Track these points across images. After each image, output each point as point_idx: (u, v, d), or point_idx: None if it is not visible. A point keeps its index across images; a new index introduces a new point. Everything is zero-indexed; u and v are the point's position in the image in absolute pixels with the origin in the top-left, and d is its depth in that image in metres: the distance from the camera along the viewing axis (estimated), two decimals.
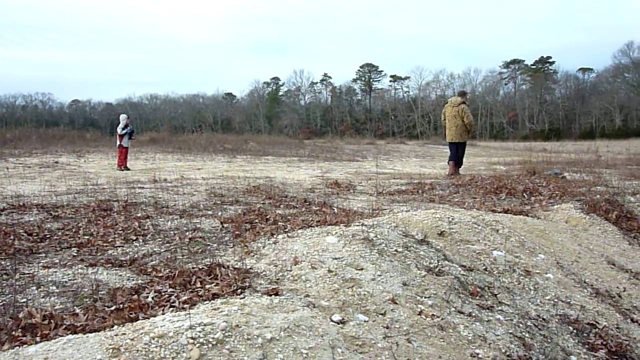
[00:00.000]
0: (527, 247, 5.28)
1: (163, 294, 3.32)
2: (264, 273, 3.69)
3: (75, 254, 4.33)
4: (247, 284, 3.44)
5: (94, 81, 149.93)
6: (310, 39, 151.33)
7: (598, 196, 7.97)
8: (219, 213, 5.94)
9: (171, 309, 3.05)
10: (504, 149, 36.36)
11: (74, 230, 5.06)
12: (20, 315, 2.88)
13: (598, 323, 4.24)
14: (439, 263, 4.23)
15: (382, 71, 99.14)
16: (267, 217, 5.63)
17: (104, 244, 4.63)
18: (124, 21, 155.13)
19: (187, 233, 4.98)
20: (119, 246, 4.61)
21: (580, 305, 4.45)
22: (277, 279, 3.57)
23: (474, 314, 3.63)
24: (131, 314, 2.96)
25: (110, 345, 2.37)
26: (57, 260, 4.14)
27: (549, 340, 3.74)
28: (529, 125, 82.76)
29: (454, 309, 3.60)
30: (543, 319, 4.02)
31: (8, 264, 4.02)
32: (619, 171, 12.89)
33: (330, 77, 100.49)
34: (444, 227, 5.06)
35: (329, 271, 3.64)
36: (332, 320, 3.03)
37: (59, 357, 2.28)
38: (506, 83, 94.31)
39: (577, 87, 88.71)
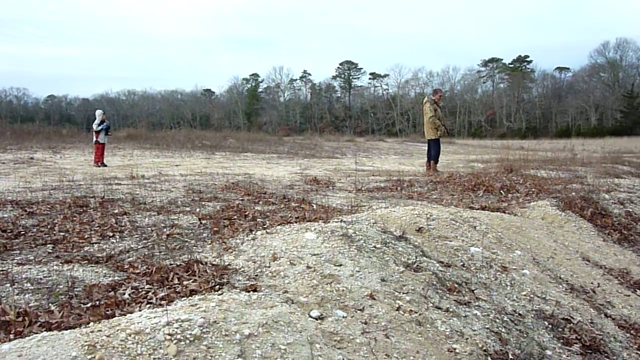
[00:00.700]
0: (504, 244, 5.34)
1: (140, 290, 3.29)
2: (243, 269, 3.68)
3: (50, 251, 4.27)
4: (225, 280, 3.42)
5: (71, 76, 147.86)
6: (290, 36, 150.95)
7: (573, 193, 8.08)
8: (197, 209, 5.91)
9: (148, 305, 3.02)
10: (482, 146, 36.66)
11: (49, 226, 4.98)
12: None
13: (573, 318, 4.30)
14: (417, 259, 4.26)
15: (361, 69, 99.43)
16: (246, 213, 5.61)
17: (80, 241, 4.57)
18: (101, 16, 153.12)
19: (165, 229, 4.94)
20: (95, 243, 4.55)
21: (556, 301, 4.51)
22: (256, 275, 3.56)
23: (451, 310, 3.66)
24: (107, 310, 2.93)
25: (85, 342, 2.34)
26: (32, 257, 4.07)
27: (525, 335, 3.78)
28: (506, 124, 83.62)
29: (431, 304, 3.63)
30: (519, 314, 4.07)
31: None
32: (594, 169, 13.08)
33: (309, 74, 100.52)
34: (422, 224, 5.09)
35: (308, 267, 3.64)
36: (310, 316, 3.03)
37: (33, 355, 2.24)
38: (484, 81, 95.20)
39: (554, 86, 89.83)
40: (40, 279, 3.56)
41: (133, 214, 5.62)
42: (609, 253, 6.35)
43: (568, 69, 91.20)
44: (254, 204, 6.46)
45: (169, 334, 2.43)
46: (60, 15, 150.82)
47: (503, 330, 3.68)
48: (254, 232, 4.58)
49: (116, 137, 26.35)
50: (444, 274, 4.19)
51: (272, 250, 3.98)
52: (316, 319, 3.01)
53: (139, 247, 4.40)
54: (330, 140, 37.97)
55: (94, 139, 15.23)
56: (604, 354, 4.01)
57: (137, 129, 39.01)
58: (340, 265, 3.78)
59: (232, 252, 4.09)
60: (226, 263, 3.79)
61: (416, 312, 3.40)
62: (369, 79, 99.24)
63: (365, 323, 3.13)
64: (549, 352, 3.73)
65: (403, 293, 3.63)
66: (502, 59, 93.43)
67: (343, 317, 3.12)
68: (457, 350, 3.18)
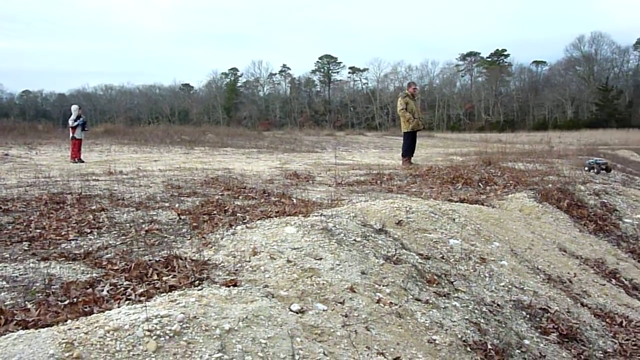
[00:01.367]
0: (482, 235, 5.39)
1: (119, 287, 3.26)
2: (222, 264, 3.67)
3: (26, 248, 4.20)
4: (205, 276, 3.41)
5: (46, 71, 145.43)
6: (269, 30, 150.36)
7: (550, 185, 8.18)
8: (177, 205, 5.86)
9: (127, 302, 3.00)
10: (460, 140, 36.98)
11: (25, 223, 4.90)
12: None
13: (550, 308, 4.37)
14: (397, 252, 4.28)
15: (341, 62, 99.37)
16: (226, 208, 5.58)
17: (57, 238, 4.51)
18: (77, 9, 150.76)
19: (144, 225, 4.89)
20: (73, 239, 4.49)
21: (533, 291, 4.57)
22: (236, 270, 3.55)
23: (431, 301, 3.69)
24: (85, 308, 2.90)
25: (63, 339, 2.31)
26: (8, 255, 4.01)
27: (504, 325, 3.83)
28: (484, 117, 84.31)
29: (411, 296, 3.65)
30: (498, 304, 4.12)
31: None
32: (570, 161, 13.27)
33: (289, 68, 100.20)
34: (401, 217, 5.11)
35: (288, 261, 3.64)
36: (291, 310, 3.03)
37: (9, 353, 2.21)
38: (463, 75, 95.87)
39: (531, 80, 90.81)
40: (16, 277, 3.51)
41: (111, 210, 5.56)
42: (585, 243, 6.44)
43: (545, 62, 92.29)
44: (233, 198, 6.43)
45: (148, 330, 2.41)
46: (35, 8, 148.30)
47: (482, 320, 3.73)
48: (233, 227, 4.57)
49: (93, 133, 26.02)
50: (423, 266, 4.22)
51: (252, 245, 3.97)
52: (297, 313, 3.02)
53: (117, 243, 4.36)
54: (310, 134, 37.95)
55: (71, 134, 15.01)
56: (580, 342, 4.08)
57: (115, 125, 38.52)
58: (321, 258, 3.79)
59: (211, 247, 4.07)
60: (206, 258, 3.78)
61: (396, 304, 3.43)
62: (349, 73, 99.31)
63: (346, 316, 3.14)
64: (526, 342, 3.79)
65: (383, 285, 3.65)
66: (480, 53, 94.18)
67: (323, 310, 3.13)
68: (436, 341, 3.21)
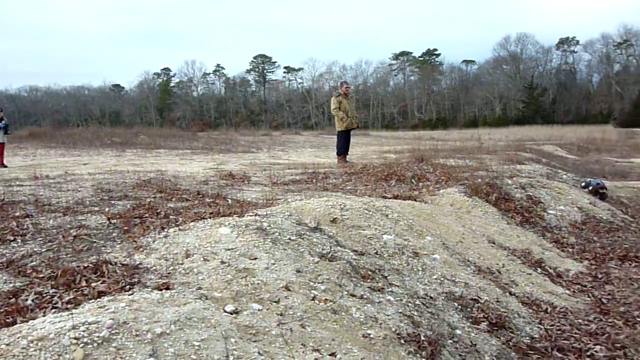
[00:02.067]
0: (415, 230, 5.51)
1: (44, 295, 3.14)
2: (154, 268, 3.59)
3: None
4: (137, 280, 3.33)
5: None
6: (202, 29, 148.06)
7: (480, 180, 8.46)
8: (106, 209, 5.69)
9: (53, 310, 2.89)
10: (394, 138, 37.62)
11: None
12: None
13: (480, 298, 4.51)
14: (332, 249, 4.31)
15: (275, 62, 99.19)
16: (158, 211, 5.46)
17: None
18: None
19: (72, 231, 4.72)
20: None
21: (465, 283, 4.71)
22: (168, 273, 3.48)
23: (365, 296, 3.74)
24: (8, 318, 2.77)
25: None
26: None
27: (436, 317, 3.93)
28: (418, 115, 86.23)
29: (346, 292, 3.69)
30: (430, 297, 4.22)
31: None
32: (498, 156, 13.76)
33: (223, 68, 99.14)
34: (336, 214, 5.16)
35: (222, 262, 3.61)
36: (225, 311, 3.01)
37: None
38: (396, 74, 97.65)
39: (461, 78, 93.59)
40: None
41: (36, 216, 5.34)
42: (513, 235, 6.70)
43: (474, 61, 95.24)
44: (166, 201, 6.30)
45: (75, 338, 2.33)
46: None
47: (415, 313, 3.81)
48: (166, 230, 4.48)
49: (17, 136, 24.89)
50: (358, 262, 4.27)
51: (185, 247, 3.90)
52: (231, 314, 2.99)
53: (43, 250, 4.19)
54: (246, 134, 37.69)
55: None
56: (509, 329, 4.24)
57: (41, 127, 37.02)
58: (255, 258, 3.77)
59: (143, 251, 3.98)
60: (137, 262, 3.69)
61: (331, 301, 3.45)
62: (284, 72, 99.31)
63: (281, 314, 3.14)
64: (458, 332, 3.90)
65: (318, 283, 3.67)
66: (412, 53, 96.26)
67: (258, 310, 3.12)
68: (371, 336, 3.26)
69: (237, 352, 2.60)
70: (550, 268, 5.99)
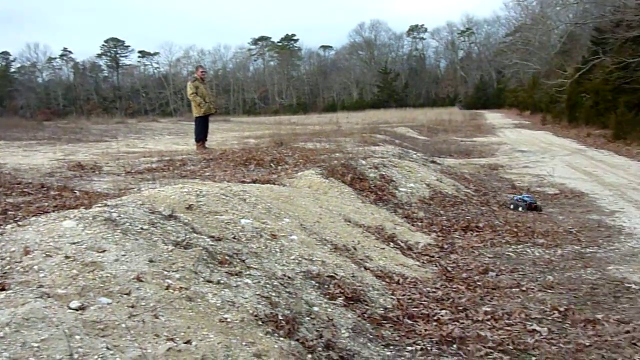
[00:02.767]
0: (273, 213, 5.55)
1: None
2: None
3: None
4: None
5: None
6: (45, 10, 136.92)
7: (336, 162, 8.72)
8: None
9: None
10: (256, 123, 37.57)
11: None
12: None
13: (337, 274, 4.67)
14: (187, 236, 4.22)
15: (129, 46, 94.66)
16: None
17: None
18: None
19: None
20: None
21: (322, 261, 4.84)
22: (4, 273, 3.20)
23: (222, 282, 3.71)
24: None
25: None
26: None
27: (294, 296, 4.00)
28: (278, 100, 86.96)
29: (202, 279, 3.64)
30: (288, 277, 4.29)
31: None
32: (354, 139, 14.27)
33: (71, 52, 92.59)
34: (192, 201, 5.06)
35: (67, 257, 3.38)
36: (70, 308, 2.83)
37: None
38: (255, 59, 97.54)
39: (320, 64, 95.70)
40: None
41: None
42: (367, 213, 7.00)
43: (331, 47, 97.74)
44: (4, 196, 5.79)
45: None
46: None
47: (273, 294, 3.85)
48: (2, 227, 4.11)
49: None
50: (215, 247, 4.22)
51: (23, 244, 3.61)
52: (76, 310, 2.82)
53: None
54: (99, 122, 35.57)
55: None
56: (364, 302, 4.44)
57: None
58: (104, 251, 3.58)
59: None
60: None
61: (186, 289, 3.38)
62: (138, 57, 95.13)
63: (133, 306, 3.02)
64: (316, 308, 4.01)
65: (172, 271, 3.58)
66: (271, 38, 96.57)
67: (108, 303, 2.98)
68: (228, 320, 3.24)
69: (82, 349, 2.46)
70: (402, 242, 6.34)
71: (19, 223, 4.17)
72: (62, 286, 3.06)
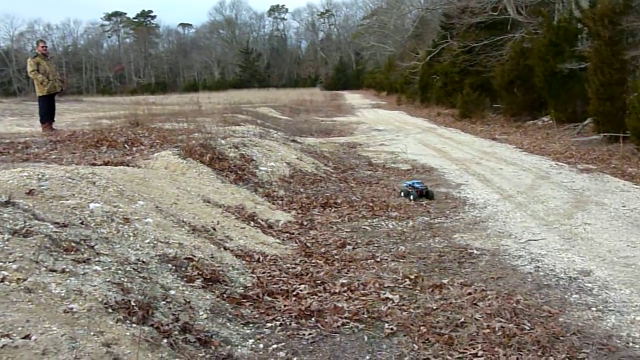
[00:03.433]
0: (126, 196, 5.30)
1: None
2: None
3: None
4: None
5: None
6: None
7: (194, 142, 8.51)
8: None
9: None
10: (111, 103, 35.62)
11: None
12: None
13: (195, 256, 4.57)
14: (27, 223, 3.89)
15: None
16: None
17: None
18: None
19: None
20: None
21: (179, 243, 4.71)
22: None
23: (68, 270, 3.47)
24: None
25: None
26: None
27: (149, 281, 3.86)
28: (136, 79, 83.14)
29: (44, 268, 3.37)
30: (143, 261, 4.13)
31: None
32: (215, 119, 14.02)
33: None
34: (33, 186, 4.67)
35: None
36: None
37: None
38: (110, 36, 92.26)
39: (179, 42, 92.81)
40: None
41: None
42: (227, 193, 6.92)
43: (191, 25, 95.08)
44: None
45: None
46: None
47: (125, 280, 3.68)
48: None
49: None
50: (59, 234, 3.94)
51: None
52: None
53: None
54: None
55: None
56: (223, 282, 4.39)
57: None
58: None
59: None
60: None
61: (24, 280, 3.12)
62: None
63: None
64: (172, 292, 3.90)
65: (9, 262, 3.28)
66: (126, 13, 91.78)
67: None
68: (74, 309, 3.04)
69: None
70: (262, 220, 6.35)
71: None
72: None
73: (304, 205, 7.37)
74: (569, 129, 14.62)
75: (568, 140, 13.26)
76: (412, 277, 4.79)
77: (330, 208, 7.34)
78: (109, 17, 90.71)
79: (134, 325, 3.17)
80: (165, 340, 3.20)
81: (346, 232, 6.34)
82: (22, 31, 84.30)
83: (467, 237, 6.03)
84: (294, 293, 4.44)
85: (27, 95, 45.74)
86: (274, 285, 4.58)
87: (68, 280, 3.33)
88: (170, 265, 4.29)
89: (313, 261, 5.29)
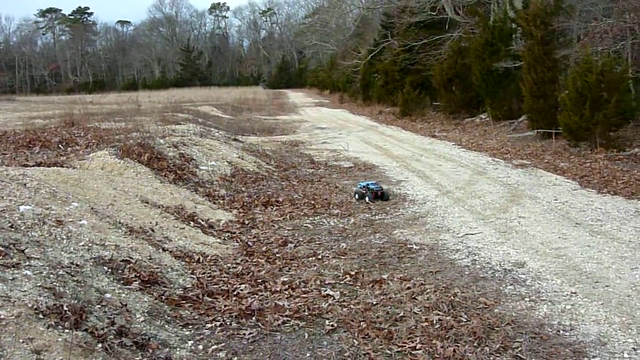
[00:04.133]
0: (59, 198, 5.12)
1: None
2: None
3: None
4: None
5: None
6: None
7: (132, 141, 8.30)
8: None
9: None
10: (46, 102, 34.36)
11: None
12: None
13: (132, 258, 4.46)
14: None
15: None
16: None
17: None
18: None
19: None
20: None
21: (115, 245, 4.59)
22: None
23: None
24: None
25: None
26: None
27: (83, 284, 3.75)
28: (72, 78, 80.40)
29: None
30: (77, 265, 4.00)
31: None
32: (154, 118, 13.74)
33: None
34: None
35: None
36: None
37: None
38: (44, 33, 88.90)
39: (118, 40, 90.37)
40: None
41: None
42: (166, 193, 6.79)
43: (129, 22, 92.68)
44: None
45: None
46: None
47: (58, 284, 3.55)
48: None
49: None
50: None
51: None
52: None
53: None
54: None
55: None
56: (162, 284, 4.31)
57: None
58: None
59: None
60: None
61: None
62: None
63: None
64: (108, 295, 3.79)
65: None
66: (61, 10, 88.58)
67: None
68: (1, 316, 2.93)
69: None
70: (203, 220, 6.27)
71: None
72: None
73: (245, 204, 7.31)
74: (505, 125, 15.09)
75: (504, 137, 13.67)
76: (353, 273, 4.84)
77: (272, 207, 7.32)
78: (43, 13, 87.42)
79: (66, 330, 3.07)
80: (99, 345, 3.11)
81: (288, 230, 6.34)
82: None
83: (407, 233, 6.13)
84: (235, 293, 4.41)
85: None
86: (214, 286, 4.53)
87: None
88: (106, 267, 4.18)
89: (254, 260, 5.26)
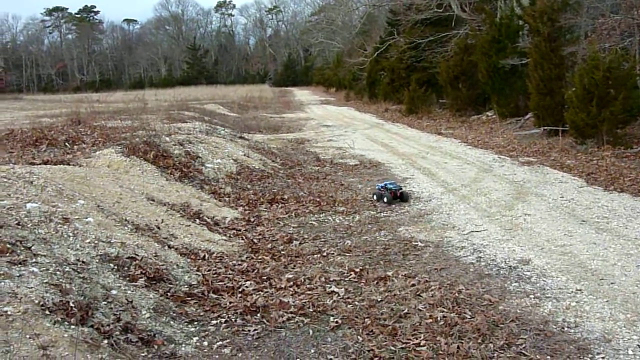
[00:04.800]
0: (65, 195, 5.15)
1: None
2: None
3: None
4: None
5: None
6: None
7: (138, 139, 8.33)
8: None
9: None
10: (54, 101, 34.50)
11: None
12: None
13: (138, 255, 4.49)
14: None
15: None
16: None
17: None
18: None
19: None
20: None
21: (121, 242, 4.62)
22: None
23: (2, 272, 3.36)
24: None
25: None
26: None
27: (89, 281, 3.77)
28: (79, 76, 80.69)
29: None
30: (83, 261, 4.02)
31: None
32: (160, 116, 13.77)
33: None
34: None
35: None
36: None
37: None
38: (51, 32, 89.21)
39: (124, 38, 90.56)
40: None
41: None
42: (172, 190, 6.81)
43: (136, 21, 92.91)
44: None
45: None
46: None
47: (64, 281, 3.58)
48: None
49: None
50: None
51: None
52: None
53: None
54: None
55: None
56: (167, 281, 4.33)
57: None
58: None
59: None
60: None
61: None
62: None
63: None
64: (114, 292, 3.82)
65: None
66: (67, 9, 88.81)
67: None
68: (8, 313, 2.95)
69: None
70: (208, 217, 6.29)
71: None
72: None
73: (251, 201, 7.33)
74: (511, 123, 15.05)
75: (510, 134, 13.63)
76: (358, 270, 4.85)
77: (277, 204, 7.33)
78: (49, 12, 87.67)
79: (72, 326, 3.10)
80: (105, 341, 3.14)
81: (293, 227, 6.35)
82: None
83: (412, 230, 6.13)
84: (240, 290, 4.42)
85: None
86: (220, 283, 4.55)
87: (2, 283, 3.23)
88: (112, 264, 4.20)
89: (259, 257, 5.28)
